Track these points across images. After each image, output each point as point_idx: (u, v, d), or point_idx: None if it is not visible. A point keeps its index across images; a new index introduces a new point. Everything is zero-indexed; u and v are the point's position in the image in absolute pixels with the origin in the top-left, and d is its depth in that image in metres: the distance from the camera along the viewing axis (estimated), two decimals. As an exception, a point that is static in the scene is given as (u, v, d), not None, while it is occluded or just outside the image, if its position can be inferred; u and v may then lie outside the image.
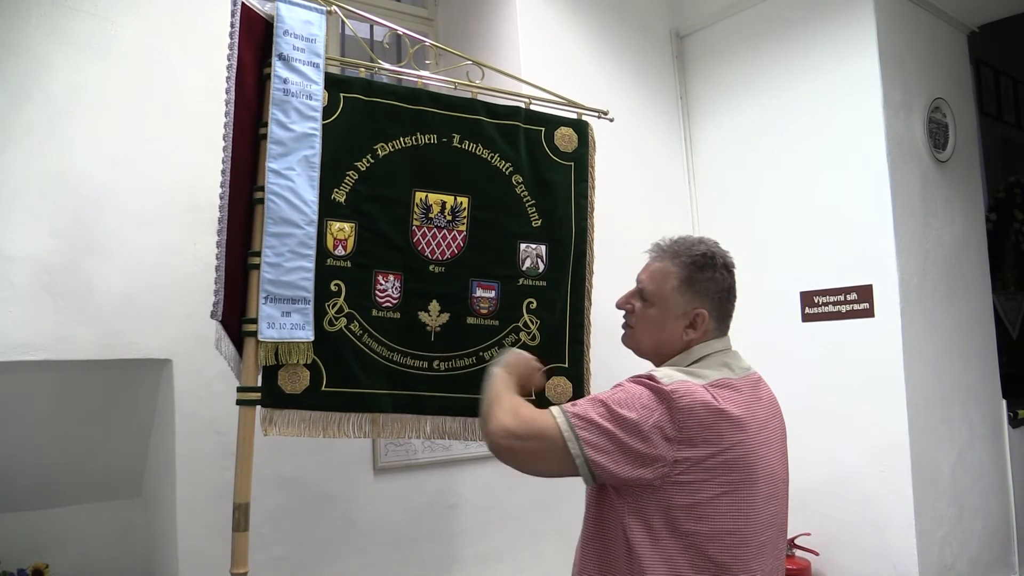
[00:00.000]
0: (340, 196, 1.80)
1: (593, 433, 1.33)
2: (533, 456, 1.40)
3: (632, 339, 1.56)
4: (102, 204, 1.97)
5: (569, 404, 1.40)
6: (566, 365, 2.04)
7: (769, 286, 2.96)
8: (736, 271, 1.54)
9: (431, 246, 1.91)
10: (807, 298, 2.90)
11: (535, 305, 2.01)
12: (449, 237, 1.92)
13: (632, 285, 1.57)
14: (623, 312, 1.58)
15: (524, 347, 1.98)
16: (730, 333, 1.54)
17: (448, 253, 1.92)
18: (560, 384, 2.01)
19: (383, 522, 2.35)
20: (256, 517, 1.65)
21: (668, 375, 1.38)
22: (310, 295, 1.70)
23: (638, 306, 1.53)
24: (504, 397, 1.51)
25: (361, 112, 1.84)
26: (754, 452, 1.37)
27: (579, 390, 2.03)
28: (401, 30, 2.02)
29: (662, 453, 1.31)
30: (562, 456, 1.34)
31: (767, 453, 1.41)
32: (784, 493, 1.48)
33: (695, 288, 1.47)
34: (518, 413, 1.43)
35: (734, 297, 1.53)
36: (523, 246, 2.01)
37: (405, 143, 1.89)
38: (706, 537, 1.33)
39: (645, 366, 1.50)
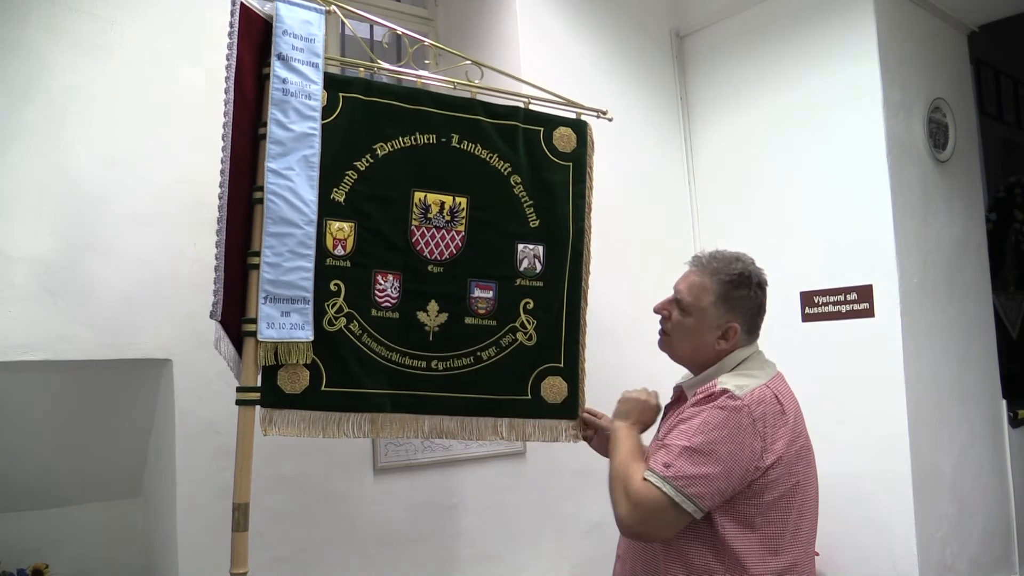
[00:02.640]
0: (339, 196, 1.80)
1: (698, 485, 1.40)
2: (659, 530, 1.46)
3: (668, 345, 1.66)
4: (102, 204, 1.97)
5: (662, 465, 1.43)
6: (562, 365, 2.04)
7: (769, 286, 2.95)
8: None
9: (430, 246, 1.91)
10: (807, 298, 2.90)
11: (532, 305, 2.01)
12: (448, 237, 1.93)
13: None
14: (659, 317, 1.67)
15: (521, 347, 1.99)
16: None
17: (447, 253, 1.93)
18: (556, 384, 2.02)
19: (383, 522, 2.35)
20: (256, 517, 1.65)
21: (738, 386, 1.46)
22: (309, 295, 1.70)
23: (675, 314, 1.62)
24: (627, 473, 1.49)
25: (360, 112, 1.84)
26: (807, 440, 1.53)
27: (574, 390, 2.04)
28: (401, 30, 2.02)
29: (756, 464, 1.41)
30: (681, 517, 1.41)
31: (808, 442, 1.55)
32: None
33: (729, 304, 1.57)
34: (631, 497, 1.45)
35: (764, 312, 1.63)
36: (520, 247, 2.01)
37: (404, 143, 1.89)
38: (780, 527, 1.44)
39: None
